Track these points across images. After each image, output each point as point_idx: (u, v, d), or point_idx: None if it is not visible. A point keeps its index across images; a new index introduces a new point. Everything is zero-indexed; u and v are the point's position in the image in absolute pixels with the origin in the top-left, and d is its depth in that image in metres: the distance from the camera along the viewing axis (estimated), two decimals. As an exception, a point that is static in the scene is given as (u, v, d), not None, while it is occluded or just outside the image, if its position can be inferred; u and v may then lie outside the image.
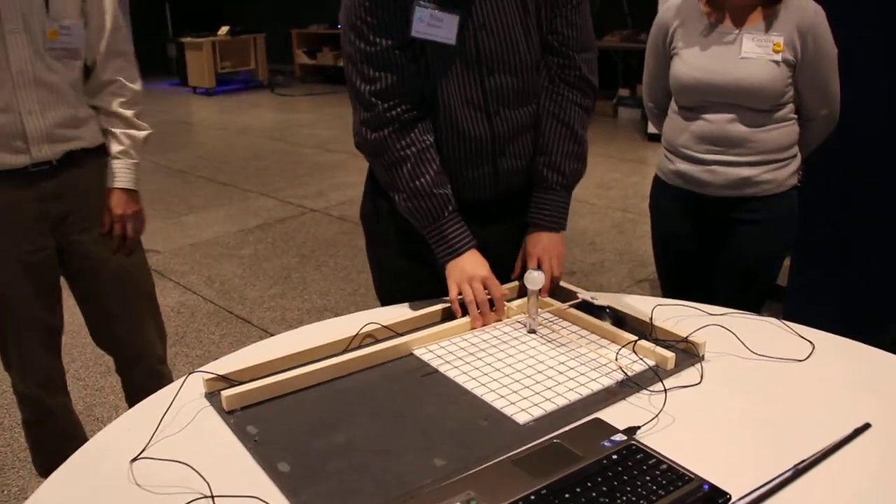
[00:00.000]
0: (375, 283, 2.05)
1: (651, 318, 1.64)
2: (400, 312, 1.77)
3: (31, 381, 2.28)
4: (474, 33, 1.72)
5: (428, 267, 1.83)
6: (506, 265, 1.89)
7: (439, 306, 1.76)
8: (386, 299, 1.99)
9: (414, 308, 1.79)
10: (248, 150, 8.06)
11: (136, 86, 2.28)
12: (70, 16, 2.06)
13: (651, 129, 7.65)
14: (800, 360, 1.55)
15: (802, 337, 1.64)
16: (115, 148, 2.25)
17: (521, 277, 1.83)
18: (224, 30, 11.88)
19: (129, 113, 2.26)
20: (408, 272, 1.94)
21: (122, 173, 2.26)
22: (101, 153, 2.22)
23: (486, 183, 1.85)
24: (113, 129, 2.25)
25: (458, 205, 1.81)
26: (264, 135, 8.86)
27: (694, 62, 2.26)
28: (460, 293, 1.72)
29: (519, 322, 1.71)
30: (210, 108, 10.76)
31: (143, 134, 2.30)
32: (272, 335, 1.72)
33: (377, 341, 1.61)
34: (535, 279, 1.63)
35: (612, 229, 5.25)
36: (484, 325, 1.70)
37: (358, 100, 1.76)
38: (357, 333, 1.61)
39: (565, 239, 2.01)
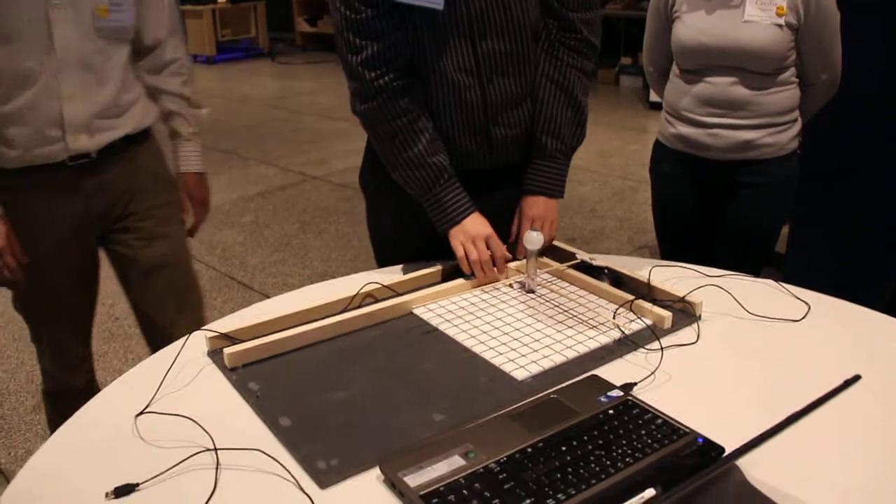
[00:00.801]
0: (375, 248, 2.06)
1: (649, 279, 1.66)
2: (399, 273, 1.78)
3: (60, 364, 2.16)
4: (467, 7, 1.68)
5: (427, 233, 1.83)
6: (502, 238, 1.88)
7: (438, 267, 1.77)
8: (385, 265, 2.00)
9: (413, 269, 1.81)
10: (248, 118, 8.05)
11: (190, 63, 2.19)
12: None
13: (653, 97, 7.64)
14: (796, 321, 1.56)
15: (799, 298, 1.66)
16: (185, 130, 2.17)
17: (515, 243, 1.85)
18: (224, -3, 11.82)
19: (189, 92, 2.17)
20: (406, 238, 1.94)
21: (195, 157, 2.19)
22: (143, 137, 2.07)
23: (481, 153, 1.83)
24: (178, 111, 2.15)
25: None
26: (265, 103, 8.84)
27: (697, 25, 2.25)
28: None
29: (517, 282, 1.73)
30: (210, 77, 10.72)
31: (205, 113, 2.22)
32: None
33: (377, 301, 1.63)
34: (533, 239, 1.64)
35: (612, 197, 5.25)
36: (490, 283, 1.71)
37: (346, 70, 1.74)
38: (357, 293, 1.62)
39: (565, 206, 2.01)
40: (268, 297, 3.89)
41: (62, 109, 1.83)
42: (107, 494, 1.06)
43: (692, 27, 2.26)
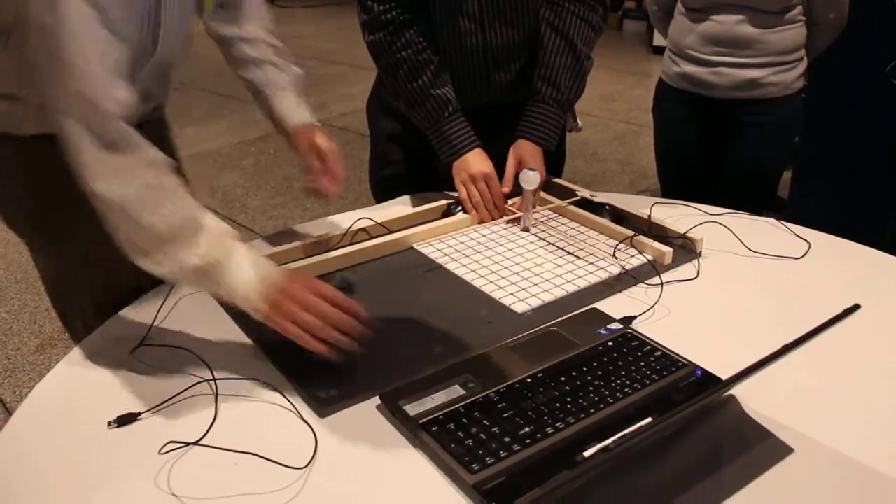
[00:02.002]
0: (374, 177, 2.06)
1: (650, 216, 1.65)
2: (397, 209, 1.78)
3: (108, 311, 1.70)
4: None
5: (428, 165, 1.84)
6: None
7: (439, 202, 1.76)
8: (385, 194, 1.99)
9: (412, 203, 1.80)
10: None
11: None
12: None
13: (657, 41, 7.56)
14: (796, 258, 1.56)
15: (799, 236, 1.66)
16: (281, 77, 1.70)
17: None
18: (222, -62, 11.64)
19: (276, 38, 1.77)
20: (403, 163, 1.97)
21: (306, 107, 1.72)
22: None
23: (479, 95, 1.85)
24: (270, 59, 1.72)
25: None
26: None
27: None
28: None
29: (514, 221, 1.72)
30: (210, 20, 10.61)
31: (301, 72, 1.76)
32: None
33: (376, 236, 1.62)
34: (529, 178, 1.63)
35: (613, 140, 5.22)
36: (492, 220, 1.71)
37: (358, 2, 1.77)
38: (355, 228, 1.62)
39: (567, 150, 2.00)
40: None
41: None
42: (109, 423, 1.07)
43: None
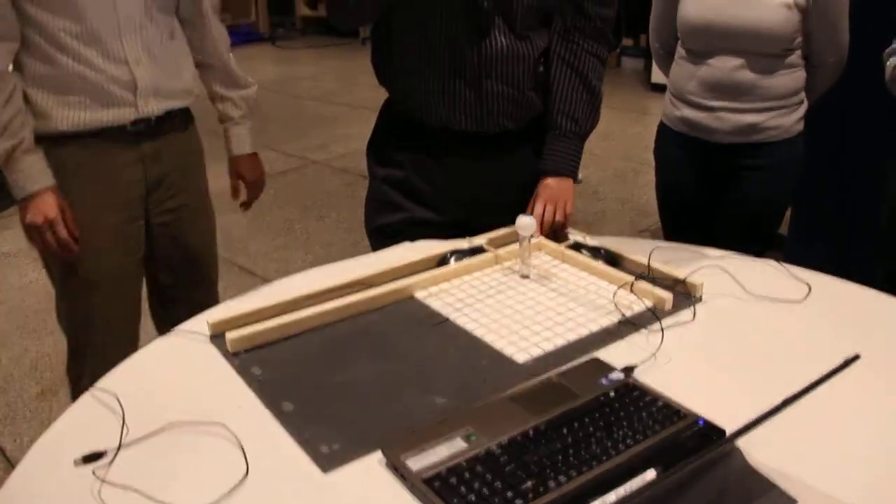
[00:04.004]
0: (369, 220, 2.08)
1: (649, 260, 1.66)
2: (395, 258, 1.78)
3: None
4: None
5: (426, 207, 1.86)
6: (496, 210, 1.89)
7: (436, 251, 1.77)
8: (374, 236, 2.03)
9: (411, 252, 1.81)
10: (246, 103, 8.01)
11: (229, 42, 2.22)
12: None
13: (655, 78, 7.60)
14: (797, 302, 1.56)
15: (799, 279, 1.66)
16: (235, 112, 2.22)
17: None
18: (223, -19, 11.77)
19: (235, 71, 2.22)
20: (401, 210, 1.98)
21: (247, 138, 2.25)
22: (189, 116, 2.12)
23: (472, 108, 1.86)
24: (227, 92, 2.21)
25: (444, 134, 1.87)
26: (266, 87, 8.81)
27: (703, 3, 2.23)
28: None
29: (511, 269, 1.72)
30: (210, 62, 10.69)
31: (254, 92, 2.26)
32: (276, 286, 1.74)
33: (378, 285, 1.63)
34: (525, 225, 1.63)
35: (613, 179, 5.25)
36: None
37: None
38: (353, 279, 1.62)
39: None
40: (270, 282, 3.89)
41: (133, 73, 1.87)
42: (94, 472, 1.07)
43: (697, 4, 2.24)
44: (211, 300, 2.19)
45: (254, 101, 2.26)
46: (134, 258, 2.05)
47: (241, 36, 12.08)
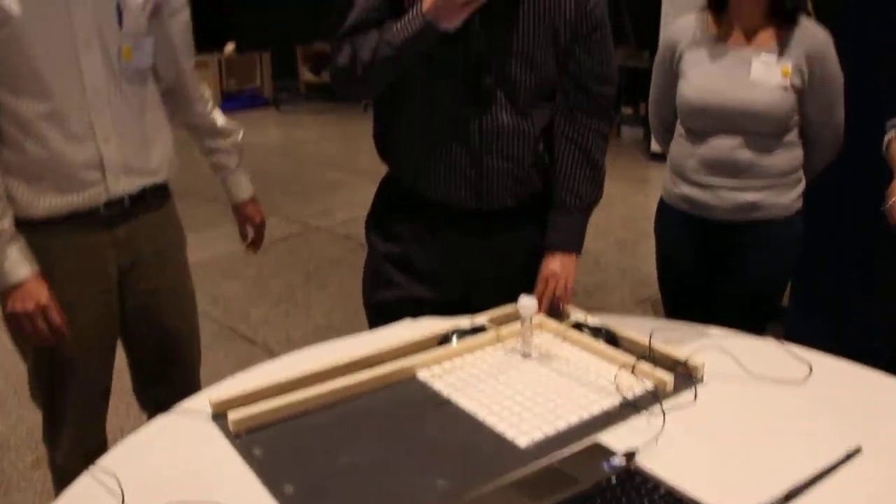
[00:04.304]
0: (367, 297, 2.09)
1: (650, 340, 1.66)
2: (396, 336, 1.78)
3: (79, 454, 1.99)
4: (475, 34, 1.77)
5: (426, 285, 1.88)
6: (495, 287, 1.91)
7: (438, 329, 1.77)
8: (373, 312, 2.04)
9: (411, 329, 1.81)
10: (252, 167, 7.94)
11: (210, 94, 2.28)
12: (142, 31, 1.88)
13: (654, 147, 7.67)
14: (798, 382, 1.56)
15: (800, 358, 1.66)
16: (229, 161, 2.30)
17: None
18: (230, 47, 11.93)
19: (222, 124, 2.26)
20: (400, 287, 1.98)
21: (246, 182, 2.36)
22: (166, 192, 2.07)
23: (472, 186, 1.88)
24: (216, 143, 2.27)
25: (443, 210, 1.89)
26: (269, 152, 8.89)
27: (701, 84, 2.27)
28: None
29: (513, 348, 1.72)
30: (215, 126, 10.78)
31: (240, 135, 2.33)
32: (276, 355, 1.74)
33: (380, 364, 1.63)
34: (527, 306, 1.64)
35: (614, 248, 5.27)
36: None
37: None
38: (353, 359, 1.62)
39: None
40: (271, 351, 3.89)
41: (100, 151, 1.83)
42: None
43: (696, 86, 2.28)
44: (192, 382, 2.17)
45: (241, 144, 2.33)
46: (108, 342, 2.01)
47: (246, 100, 12.23)
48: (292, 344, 3.96)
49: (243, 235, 2.42)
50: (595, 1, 1.87)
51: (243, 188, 2.36)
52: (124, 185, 1.89)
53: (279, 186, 7.21)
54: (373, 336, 1.81)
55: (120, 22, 1.81)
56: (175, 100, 2.14)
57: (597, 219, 2.07)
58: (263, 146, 9.27)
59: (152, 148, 1.97)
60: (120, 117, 1.86)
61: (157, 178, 2.00)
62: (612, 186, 6.39)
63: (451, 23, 1.69)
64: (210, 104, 2.25)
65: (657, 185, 2.58)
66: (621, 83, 9.39)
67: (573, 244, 1.95)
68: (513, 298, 1.74)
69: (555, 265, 1.91)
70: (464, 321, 1.77)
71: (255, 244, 2.44)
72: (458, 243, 1.94)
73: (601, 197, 2.01)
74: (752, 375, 1.59)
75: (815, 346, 1.71)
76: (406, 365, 1.60)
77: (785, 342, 1.73)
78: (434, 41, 1.71)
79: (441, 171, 1.87)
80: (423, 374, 1.60)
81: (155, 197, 2.01)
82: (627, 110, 9.23)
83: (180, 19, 2.04)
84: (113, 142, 1.84)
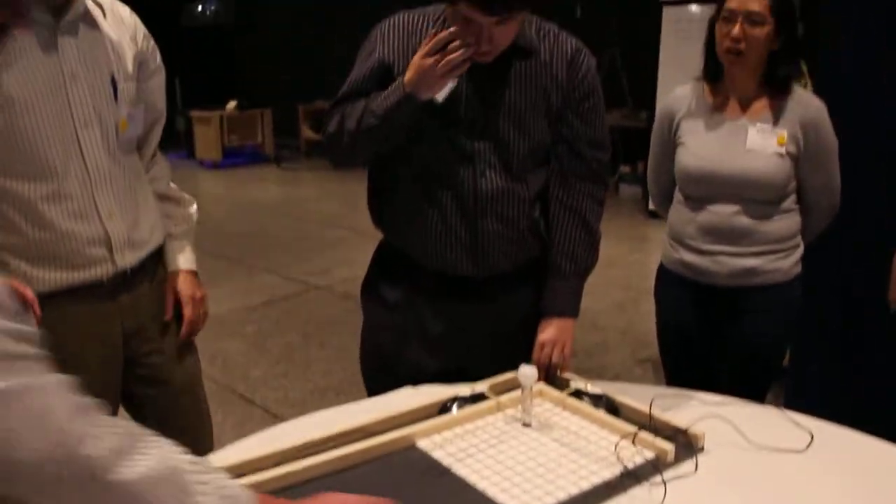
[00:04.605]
0: (365, 367, 2.09)
1: (650, 408, 1.66)
2: (395, 404, 1.77)
3: None
4: (467, 99, 1.81)
5: (423, 355, 1.89)
6: (493, 356, 1.91)
7: (438, 397, 1.76)
8: (370, 381, 2.04)
9: (410, 398, 1.81)
10: (253, 224, 8.12)
11: (165, 158, 2.16)
12: (133, 100, 1.89)
13: (652, 205, 7.70)
14: (799, 451, 1.56)
15: (801, 426, 1.66)
16: (176, 228, 2.09)
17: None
18: (232, 104, 12.06)
19: (175, 190, 2.13)
20: (401, 360, 1.98)
21: (188, 254, 2.10)
22: (159, 255, 2.04)
23: (468, 250, 1.90)
24: (166, 212, 2.08)
25: (440, 278, 1.91)
26: (269, 209, 8.94)
27: (699, 152, 2.31)
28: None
29: (514, 416, 1.71)
30: (216, 182, 10.87)
31: (194, 209, 2.15)
32: (275, 416, 1.73)
33: (380, 433, 1.62)
34: (527, 375, 1.63)
35: (613, 308, 5.27)
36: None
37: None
38: (350, 427, 1.62)
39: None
40: (269, 411, 3.87)
41: (105, 227, 1.82)
42: None
43: (694, 154, 2.31)
44: (199, 444, 2.10)
45: (194, 218, 2.15)
46: (111, 408, 1.93)
47: (247, 157, 12.33)
48: (291, 404, 3.95)
49: (168, 311, 2.04)
50: (587, 67, 1.90)
51: (180, 258, 2.09)
52: (129, 259, 1.88)
53: (279, 244, 7.24)
54: (372, 403, 1.81)
55: (115, 95, 1.83)
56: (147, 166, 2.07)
57: (595, 278, 2.08)
58: (264, 203, 9.32)
59: (146, 216, 1.96)
60: (119, 191, 1.85)
61: (153, 245, 1.98)
62: (611, 246, 6.44)
63: (432, 93, 1.73)
64: (166, 168, 2.13)
65: (656, 243, 2.61)
66: (619, 142, 9.53)
67: (569, 309, 1.95)
68: (511, 364, 1.74)
69: (551, 331, 1.92)
70: (464, 389, 1.76)
71: (191, 324, 2.08)
72: (456, 314, 1.95)
73: (596, 261, 2.02)
74: (754, 444, 1.58)
75: (814, 408, 1.71)
76: (405, 434, 1.59)
77: (786, 410, 1.73)
78: (417, 110, 1.74)
79: (436, 235, 1.89)
80: (422, 444, 1.59)
81: (152, 262, 2.00)
82: (626, 169, 9.30)
83: (158, 80, 2.02)
84: (116, 217, 1.84)
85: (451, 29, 1.67)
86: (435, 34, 1.68)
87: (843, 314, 3.04)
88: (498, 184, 1.86)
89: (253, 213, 8.69)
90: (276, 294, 5.78)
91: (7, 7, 1.06)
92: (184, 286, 2.07)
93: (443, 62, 1.66)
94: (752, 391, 2.03)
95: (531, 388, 1.66)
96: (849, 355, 3.05)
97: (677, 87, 2.46)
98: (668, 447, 1.52)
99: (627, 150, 9.33)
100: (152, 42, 1.99)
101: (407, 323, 1.95)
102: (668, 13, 7.64)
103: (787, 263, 2.33)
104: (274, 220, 8.32)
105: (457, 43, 1.66)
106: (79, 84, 1.76)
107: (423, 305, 1.95)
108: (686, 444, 1.57)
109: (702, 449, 1.56)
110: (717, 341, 2.42)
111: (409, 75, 1.71)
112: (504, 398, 1.74)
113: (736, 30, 2.17)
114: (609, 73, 8.81)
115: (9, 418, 0.92)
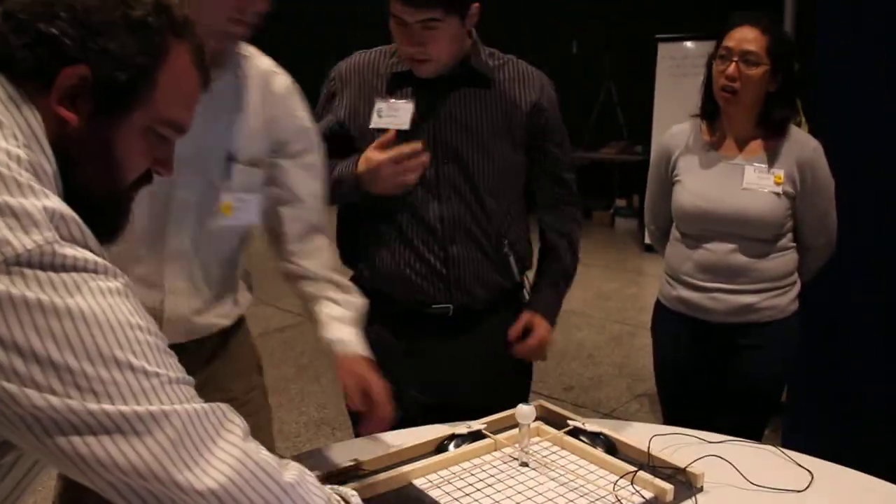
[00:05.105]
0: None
1: (649, 448, 1.64)
2: (390, 442, 1.75)
3: None
4: (433, 123, 1.89)
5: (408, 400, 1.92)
6: (473, 390, 1.94)
7: (435, 435, 1.75)
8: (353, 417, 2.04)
9: (409, 435, 1.79)
10: (248, 256, 8.08)
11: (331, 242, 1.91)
12: (253, 189, 1.68)
13: (648, 238, 7.72)
14: (798, 491, 1.55)
15: (801, 466, 1.65)
16: (336, 312, 1.77)
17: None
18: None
19: (339, 277, 1.83)
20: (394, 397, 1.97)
21: (360, 339, 1.75)
22: (238, 324, 1.87)
23: (438, 276, 1.93)
24: (324, 295, 1.80)
25: (413, 316, 1.97)
26: (264, 240, 8.90)
27: (696, 191, 2.31)
28: None
29: (511, 455, 1.69)
30: (212, 214, 10.85)
31: (361, 304, 1.80)
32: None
33: (376, 471, 1.60)
34: (525, 414, 1.62)
35: (609, 342, 5.25)
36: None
37: None
38: (347, 463, 1.60)
39: (563, 352, 2.07)
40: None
41: (164, 304, 1.62)
42: None
43: (691, 192, 2.32)
44: None
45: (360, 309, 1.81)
46: None
47: (243, 189, 12.28)
48: (285, 437, 3.92)
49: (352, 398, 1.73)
50: (549, 93, 2.00)
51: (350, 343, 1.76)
52: (178, 339, 1.49)
53: (274, 276, 7.18)
54: (368, 440, 1.79)
55: (228, 172, 1.63)
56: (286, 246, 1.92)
57: (592, 312, 2.13)
58: (258, 234, 9.29)
59: (224, 299, 1.78)
60: (197, 269, 1.67)
61: (222, 326, 1.78)
62: (607, 279, 6.48)
63: (384, 192, 1.82)
64: (331, 257, 1.90)
65: (652, 276, 2.61)
66: (616, 176, 9.51)
67: (548, 309, 2.09)
68: (500, 390, 1.75)
69: (527, 315, 2.04)
70: (461, 427, 1.75)
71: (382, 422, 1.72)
72: (432, 352, 1.99)
73: (577, 263, 2.18)
74: (753, 484, 1.57)
75: (813, 445, 1.71)
76: (402, 472, 1.58)
77: (785, 449, 1.72)
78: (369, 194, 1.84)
79: (408, 267, 1.93)
80: (419, 482, 1.58)
81: (220, 337, 1.80)
82: (621, 202, 9.32)
83: (305, 162, 1.77)
84: (181, 295, 1.64)
85: (416, 144, 1.76)
86: (395, 132, 1.80)
87: (839, 351, 3.04)
88: (464, 208, 1.91)
89: (249, 246, 8.64)
90: (270, 326, 5.76)
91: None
92: (372, 378, 1.71)
93: (400, 176, 1.77)
94: (750, 428, 2.02)
95: (529, 426, 1.65)
96: (846, 393, 3.04)
97: (675, 125, 2.48)
98: (668, 487, 1.50)
99: (623, 183, 9.37)
100: (306, 123, 1.78)
101: (386, 366, 1.88)
102: (664, 49, 7.74)
103: (785, 301, 2.33)
104: (268, 252, 8.29)
105: (419, 159, 1.76)
106: (187, 188, 1.58)
107: (397, 348, 1.98)
108: (685, 484, 1.56)
109: (701, 489, 1.55)
110: (714, 378, 2.41)
111: (362, 168, 1.80)
112: (502, 437, 1.72)
113: (731, 69, 2.18)
114: (605, 107, 8.88)
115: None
